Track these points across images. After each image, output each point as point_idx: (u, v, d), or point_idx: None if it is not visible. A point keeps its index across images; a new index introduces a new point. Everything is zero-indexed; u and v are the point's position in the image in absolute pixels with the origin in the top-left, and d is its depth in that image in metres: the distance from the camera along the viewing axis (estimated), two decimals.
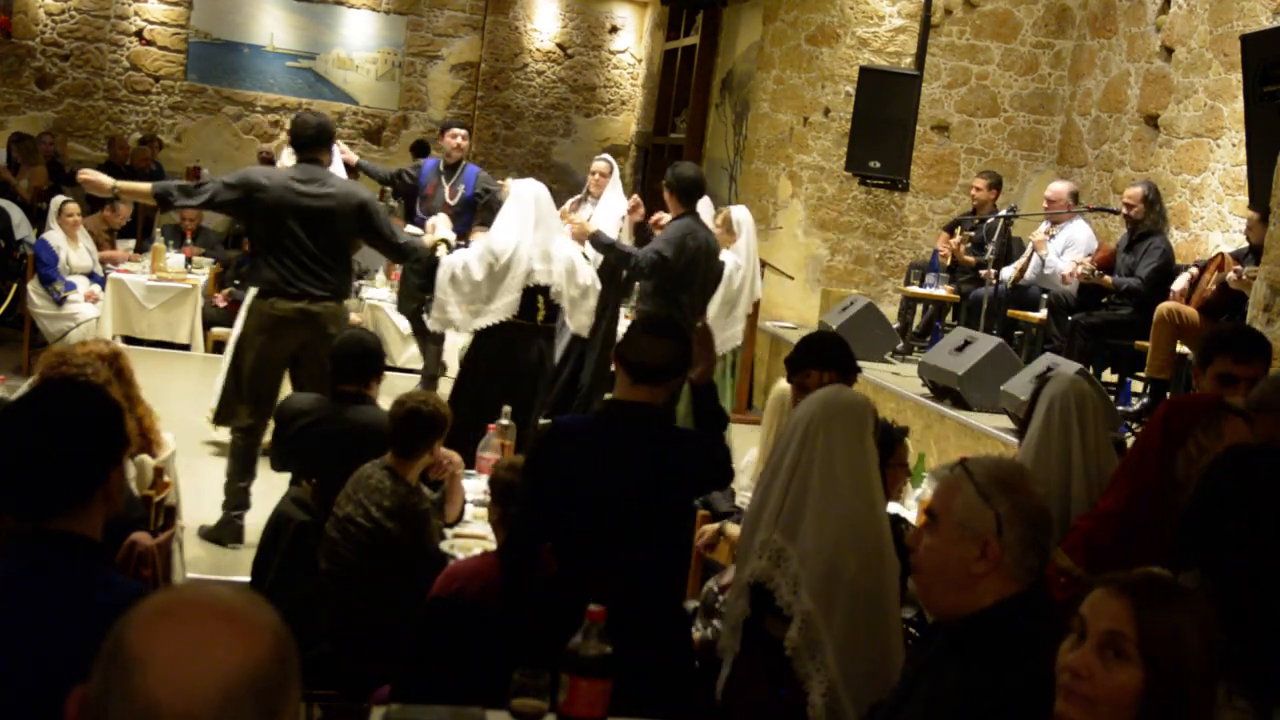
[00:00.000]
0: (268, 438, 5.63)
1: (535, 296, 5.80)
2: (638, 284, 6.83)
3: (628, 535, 3.03)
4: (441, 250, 5.94)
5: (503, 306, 5.76)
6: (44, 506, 2.01)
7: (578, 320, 6.17)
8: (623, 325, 6.88)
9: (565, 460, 3.08)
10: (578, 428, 3.20)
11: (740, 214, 7.46)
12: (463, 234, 8.00)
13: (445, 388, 8.61)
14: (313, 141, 5.60)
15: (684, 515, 3.22)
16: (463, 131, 8.75)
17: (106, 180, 5.53)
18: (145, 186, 5.69)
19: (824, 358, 3.52)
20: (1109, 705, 1.75)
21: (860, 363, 8.41)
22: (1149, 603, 1.77)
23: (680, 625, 3.26)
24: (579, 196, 8.05)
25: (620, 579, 2.97)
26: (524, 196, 5.90)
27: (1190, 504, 2.38)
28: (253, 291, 5.65)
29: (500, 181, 8.38)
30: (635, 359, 3.13)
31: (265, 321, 5.46)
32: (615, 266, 6.70)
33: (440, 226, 6.07)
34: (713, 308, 7.00)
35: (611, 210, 7.68)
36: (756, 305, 8.44)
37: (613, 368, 3.28)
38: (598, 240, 6.41)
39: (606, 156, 8.13)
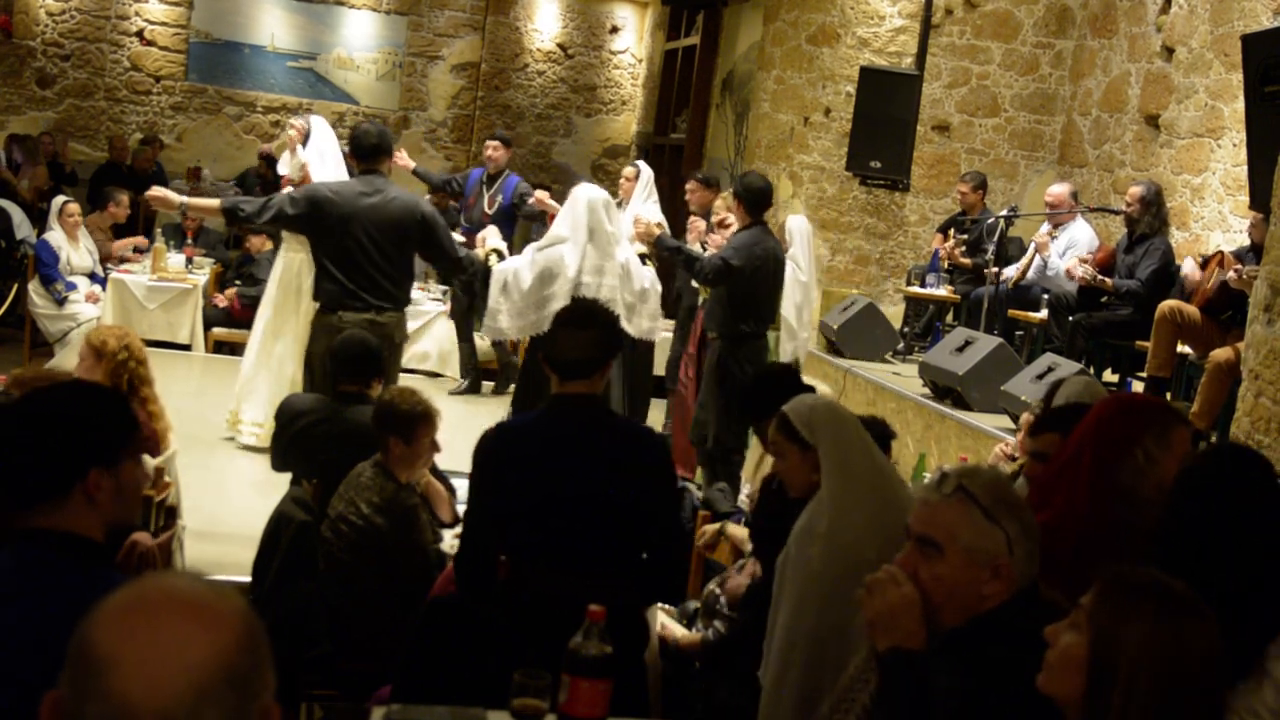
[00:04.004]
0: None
1: None
2: (703, 294, 6.80)
3: (588, 529, 3.01)
4: (494, 260, 5.93)
5: (551, 314, 5.76)
6: (19, 499, 2.02)
7: (638, 325, 6.14)
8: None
9: (516, 460, 3.06)
10: (525, 426, 3.18)
11: (794, 223, 7.45)
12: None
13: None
14: (374, 151, 5.52)
15: (656, 505, 3.12)
16: (494, 143, 8.91)
17: (175, 197, 5.52)
18: (214, 203, 5.67)
19: (775, 407, 3.33)
20: (1059, 668, 1.84)
21: (861, 363, 8.43)
22: (1117, 590, 1.82)
23: (639, 624, 3.21)
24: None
25: (582, 576, 2.96)
26: (579, 203, 5.88)
27: (1178, 516, 2.38)
28: (315, 306, 5.58)
29: (538, 196, 8.37)
30: (561, 357, 3.10)
31: (334, 335, 5.41)
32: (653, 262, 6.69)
33: (491, 238, 6.05)
34: (793, 317, 6.99)
35: (641, 215, 7.66)
36: None
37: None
38: (662, 243, 6.36)
39: (637, 162, 8.11)
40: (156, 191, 5.54)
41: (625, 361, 6.74)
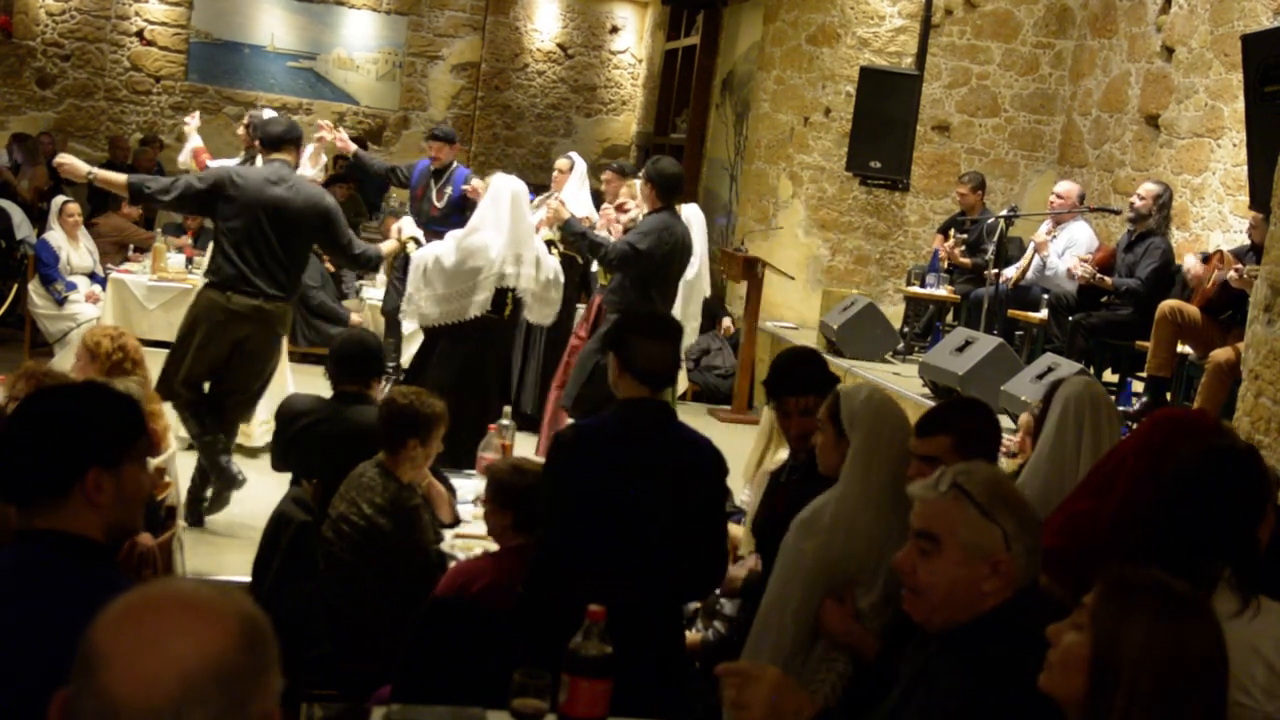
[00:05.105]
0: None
1: (505, 294, 5.89)
2: (601, 273, 6.87)
3: (643, 531, 3.03)
4: (411, 247, 6.00)
5: (476, 304, 5.82)
6: (20, 497, 2.02)
7: (540, 313, 6.22)
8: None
9: (595, 464, 3.07)
10: (603, 430, 3.18)
11: (689, 211, 7.45)
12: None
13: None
14: (281, 141, 5.64)
15: (711, 511, 3.19)
16: (435, 144, 8.54)
17: (82, 166, 5.54)
18: (120, 178, 5.71)
19: (804, 383, 3.50)
20: (1061, 668, 1.83)
21: (861, 363, 8.45)
22: (1119, 590, 1.82)
23: (677, 625, 3.26)
24: (545, 195, 8.02)
25: (643, 579, 2.98)
26: (501, 194, 5.90)
27: (1169, 514, 2.40)
28: (204, 280, 5.69)
29: (472, 185, 8.26)
30: (649, 367, 3.13)
31: (219, 313, 5.51)
32: (577, 257, 6.74)
33: (406, 227, 6.13)
34: (679, 308, 6.98)
35: (571, 207, 7.69)
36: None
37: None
38: (569, 227, 6.39)
39: (570, 154, 8.14)
40: (64, 159, 5.59)
41: (538, 349, 6.78)
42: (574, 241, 6.53)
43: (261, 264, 5.46)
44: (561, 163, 8.06)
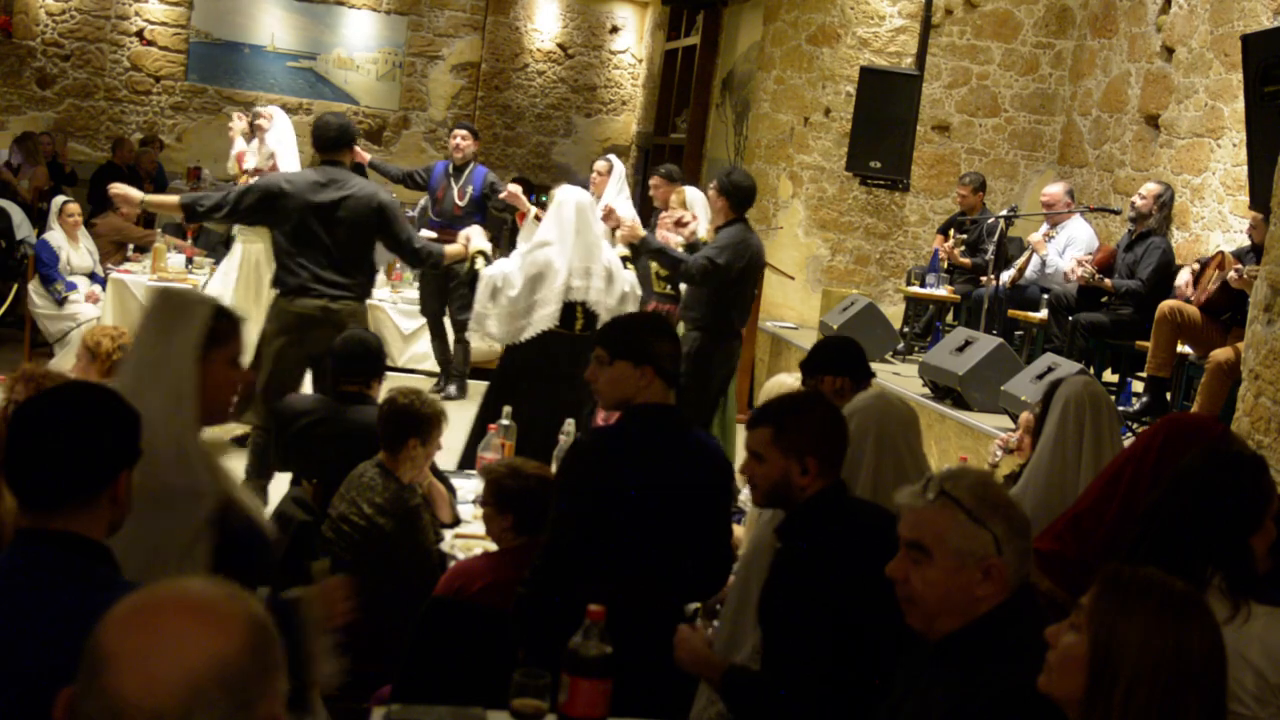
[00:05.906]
0: None
1: (574, 307, 5.75)
2: (655, 280, 6.84)
3: (661, 535, 3.03)
4: (480, 262, 5.90)
5: (542, 318, 5.73)
6: (48, 500, 2.01)
7: None
8: None
9: (605, 468, 3.07)
10: (616, 435, 3.18)
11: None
12: None
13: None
14: (335, 143, 5.66)
15: (715, 514, 3.21)
16: (462, 132, 8.72)
17: (136, 194, 5.64)
18: (173, 199, 5.80)
19: (837, 364, 3.55)
20: (1059, 670, 1.83)
21: None
22: (1117, 589, 1.82)
23: (677, 625, 3.27)
24: None
25: (645, 580, 2.98)
26: (566, 205, 5.84)
27: (1166, 508, 2.41)
28: (274, 293, 5.66)
29: (510, 190, 8.25)
30: (672, 367, 3.15)
31: (289, 321, 5.49)
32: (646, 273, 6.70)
33: (475, 238, 6.00)
34: None
35: (616, 208, 7.67)
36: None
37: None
38: (646, 245, 6.32)
39: (609, 156, 8.09)
40: (118, 188, 5.68)
41: None
42: (651, 258, 6.50)
43: (322, 266, 5.46)
44: (600, 165, 7.99)
